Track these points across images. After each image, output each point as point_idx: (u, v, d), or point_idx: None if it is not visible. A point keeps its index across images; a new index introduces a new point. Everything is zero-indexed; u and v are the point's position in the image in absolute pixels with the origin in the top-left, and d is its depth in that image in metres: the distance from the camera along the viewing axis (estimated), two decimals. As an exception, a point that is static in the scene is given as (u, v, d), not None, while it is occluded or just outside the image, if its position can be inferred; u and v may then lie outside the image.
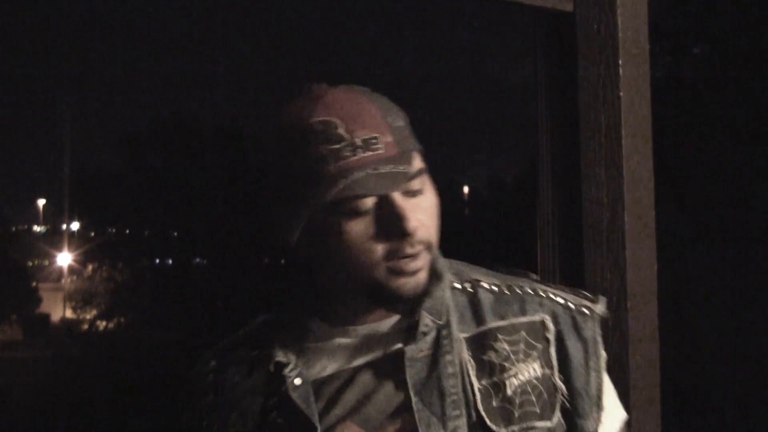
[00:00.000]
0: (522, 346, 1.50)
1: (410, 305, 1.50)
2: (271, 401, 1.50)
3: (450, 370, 1.47)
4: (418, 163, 1.47)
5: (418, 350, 1.48)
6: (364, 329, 1.52)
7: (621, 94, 2.31)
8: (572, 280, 2.32)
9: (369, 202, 1.42)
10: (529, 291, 1.58)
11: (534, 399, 1.47)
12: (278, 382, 1.50)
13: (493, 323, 1.52)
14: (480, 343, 1.50)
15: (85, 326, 32.88)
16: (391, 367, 1.48)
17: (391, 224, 1.42)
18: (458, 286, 1.58)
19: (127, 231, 32.53)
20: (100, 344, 28.87)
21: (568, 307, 1.57)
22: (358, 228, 1.42)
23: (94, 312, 32.72)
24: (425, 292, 1.49)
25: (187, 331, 26.07)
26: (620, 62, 2.32)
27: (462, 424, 1.44)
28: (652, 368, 2.33)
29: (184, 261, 31.47)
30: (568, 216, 2.37)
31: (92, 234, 34.27)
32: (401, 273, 1.44)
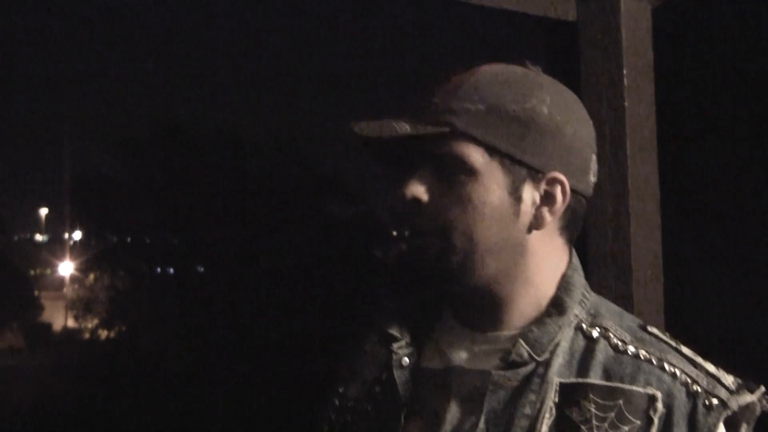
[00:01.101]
0: (612, 414, 1.35)
1: (434, 289, 1.49)
2: (383, 375, 1.50)
3: (527, 410, 1.38)
4: (461, 148, 1.41)
5: (505, 378, 1.40)
6: (476, 336, 1.47)
7: (626, 104, 2.30)
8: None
9: (397, 160, 1.46)
10: (654, 360, 1.39)
11: None
12: (389, 357, 1.50)
13: (592, 379, 1.38)
14: (569, 395, 1.37)
15: (87, 334, 32.85)
16: (478, 383, 1.42)
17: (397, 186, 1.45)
18: (585, 328, 1.44)
19: (129, 239, 32.52)
20: (102, 352, 28.84)
21: (694, 393, 1.37)
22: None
23: (96, 320, 32.69)
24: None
25: (188, 339, 26.04)
26: (624, 72, 2.31)
27: None
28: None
29: (186, 269, 31.44)
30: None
31: (93, 242, 34.26)
32: (403, 244, 1.44)
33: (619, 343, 1.41)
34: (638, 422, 1.33)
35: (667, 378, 1.36)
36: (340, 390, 1.57)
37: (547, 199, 1.43)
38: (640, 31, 2.36)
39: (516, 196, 1.41)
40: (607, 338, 1.42)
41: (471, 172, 1.40)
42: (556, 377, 1.38)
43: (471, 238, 1.40)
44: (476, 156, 1.40)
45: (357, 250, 23.23)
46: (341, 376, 1.60)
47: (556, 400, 1.37)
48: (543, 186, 1.43)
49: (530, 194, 1.42)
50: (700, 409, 1.35)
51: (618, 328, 1.43)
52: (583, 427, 1.34)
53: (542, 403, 1.37)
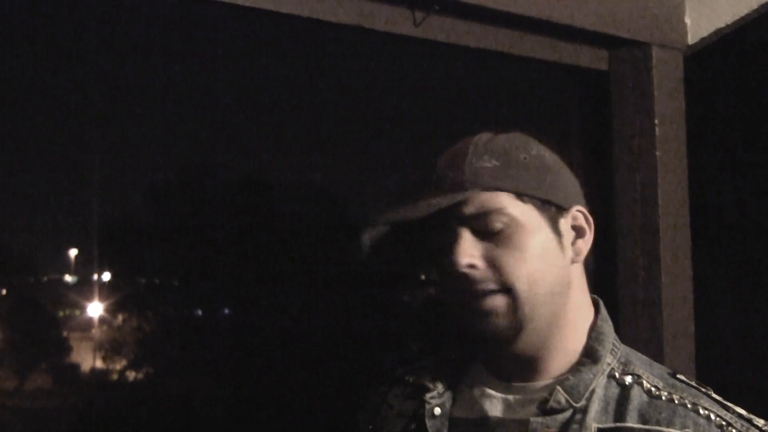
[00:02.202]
0: None
1: (496, 347, 1.47)
2: (412, 426, 1.54)
3: None
4: (493, 202, 1.43)
5: (543, 425, 1.43)
6: (511, 386, 1.49)
7: (657, 153, 2.29)
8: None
9: (435, 234, 1.46)
10: (688, 404, 1.42)
11: None
12: (421, 408, 1.53)
13: (630, 423, 1.41)
14: None
15: (115, 376, 32.88)
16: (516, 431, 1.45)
17: (444, 258, 1.44)
18: (617, 375, 1.47)
19: (157, 281, 32.62)
20: (129, 394, 28.85)
21: None
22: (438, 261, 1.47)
23: (124, 362, 32.73)
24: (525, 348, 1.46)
25: (215, 381, 25.99)
26: (656, 121, 2.31)
27: None
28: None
29: (213, 311, 31.49)
30: (602, 274, 2.35)
31: (122, 284, 34.40)
32: (468, 311, 1.44)
33: (653, 389, 1.43)
34: None
35: (702, 421, 1.39)
36: None
37: (578, 231, 1.50)
38: (672, 80, 2.36)
39: (557, 232, 1.46)
40: (641, 384, 1.45)
41: (513, 220, 1.43)
42: (594, 423, 1.41)
43: (534, 283, 1.43)
44: (510, 204, 1.43)
45: (386, 299, 23.19)
46: (363, 428, 1.64)
47: None
48: (570, 221, 1.49)
49: (566, 228, 1.49)
50: None
51: (650, 375, 1.47)
52: None
53: None
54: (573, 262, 1.49)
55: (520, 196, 1.44)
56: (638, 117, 2.32)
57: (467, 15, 2.18)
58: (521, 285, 1.42)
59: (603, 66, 2.37)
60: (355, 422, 1.70)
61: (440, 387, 1.54)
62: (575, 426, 1.41)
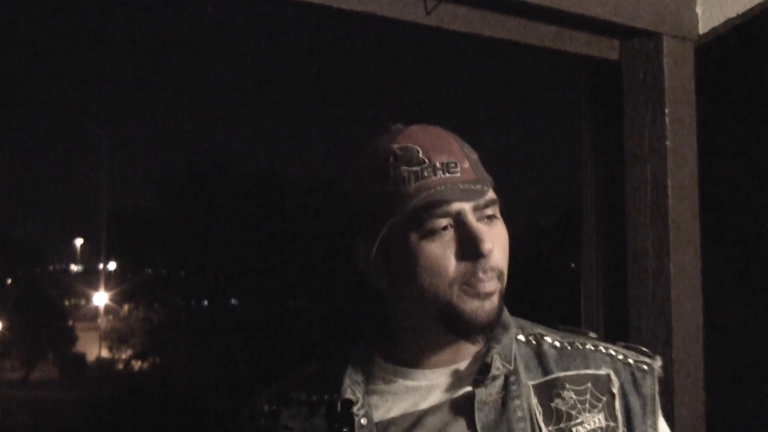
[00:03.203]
0: (588, 396, 1.52)
1: (483, 334, 1.50)
2: None
3: (519, 414, 1.48)
4: (491, 193, 1.49)
5: (487, 394, 1.49)
6: (432, 373, 1.53)
7: (668, 143, 2.29)
8: (616, 330, 2.30)
9: (445, 221, 1.45)
10: (591, 347, 1.59)
11: None
12: (344, 422, 1.50)
13: (560, 373, 1.54)
14: (547, 391, 1.52)
15: (120, 366, 32.97)
16: (458, 411, 1.49)
17: (467, 244, 1.45)
18: (522, 338, 1.58)
19: (164, 272, 32.67)
20: (135, 384, 28.92)
21: (628, 363, 1.57)
22: (434, 247, 1.45)
23: (130, 352, 32.81)
24: (493, 329, 1.50)
25: (222, 372, 26.06)
26: (666, 111, 2.30)
27: None
28: (697, 421, 2.30)
29: (220, 302, 31.54)
30: (612, 266, 2.35)
31: (129, 274, 34.46)
32: (475, 294, 1.45)
33: (557, 343, 1.58)
34: (605, 398, 1.53)
35: (607, 359, 1.57)
36: None
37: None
38: (683, 70, 2.36)
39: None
40: (545, 340, 1.59)
41: (501, 213, 1.52)
42: (527, 381, 1.52)
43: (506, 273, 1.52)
44: (495, 196, 1.51)
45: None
46: None
47: (537, 399, 1.51)
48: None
49: None
50: (638, 374, 1.56)
51: (546, 332, 1.61)
52: (572, 412, 1.50)
53: (529, 403, 1.50)
54: None
55: (492, 185, 1.51)
56: (649, 107, 2.31)
57: (478, 3, 2.18)
58: (506, 272, 1.51)
59: (614, 56, 2.36)
60: None
61: (359, 395, 1.52)
62: (514, 387, 1.50)
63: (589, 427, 1.49)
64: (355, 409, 1.50)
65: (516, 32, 2.25)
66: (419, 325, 1.51)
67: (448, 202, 1.43)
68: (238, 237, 28.40)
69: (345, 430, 1.50)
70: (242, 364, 25.68)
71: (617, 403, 1.53)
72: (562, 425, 1.49)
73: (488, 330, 1.49)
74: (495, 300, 1.47)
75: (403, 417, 1.51)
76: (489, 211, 1.48)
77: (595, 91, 2.43)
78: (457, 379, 1.52)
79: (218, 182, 30.62)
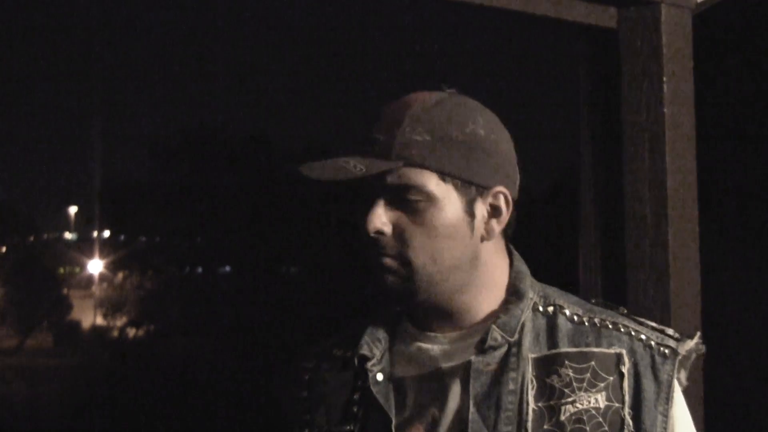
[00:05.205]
0: (588, 375, 1.53)
1: (400, 303, 1.58)
2: (356, 395, 1.60)
3: (511, 386, 1.52)
4: (416, 178, 1.51)
5: (485, 363, 1.53)
6: (445, 337, 1.59)
7: (665, 111, 2.30)
8: (614, 296, 2.31)
9: (356, 194, 1.55)
10: (609, 325, 1.58)
11: (587, 429, 1.50)
12: (362, 377, 1.58)
13: (563, 348, 1.55)
14: (546, 366, 1.54)
15: (115, 333, 33.03)
16: (460, 376, 1.55)
17: (359, 219, 1.54)
18: (541, 308, 1.60)
19: (157, 239, 32.68)
20: (130, 351, 29.00)
21: (649, 345, 1.56)
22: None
23: (124, 319, 32.87)
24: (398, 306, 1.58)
25: (215, 339, 26.14)
26: (664, 79, 2.31)
27: None
28: (696, 386, 2.32)
29: (213, 269, 31.59)
30: (610, 232, 2.37)
31: (122, 242, 34.45)
32: (371, 267, 1.54)
33: (575, 316, 1.59)
34: (611, 378, 1.53)
35: (625, 338, 1.56)
36: (306, 418, 1.67)
37: (495, 211, 1.57)
38: (681, 38, 2.36)
39: (470, 214, 1.54)
40: (564, 313, 1.59)
41: (429, 198, 1.52)
42: (529, 353, 1.55)
43: (435, 259, 1.53)
44: (432, 183, 1.51)
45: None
46: (294, 405, 1.70)
47: (534, 373, 1.53)
48: (489, 200, 1.57)
49: (481, 210, 1.56)
50: (658, 358, 1.55)
51: (569, 303, 1.61)
52: (565, 390, 1.52)
53: (523, 377, 1.52)
54: (483, 240, 1.57)
55: (442, 175, 1.52)
56: (647, 75, 2.32)
57: (477, -28, 2.18)
58: (419, 261, 1.52)
59: (612, 24, 2.37)
60: (278, 399, 1.77)
61: (377, 353, 1.60)
62: (513, 359, 1.53)
63: (581, 407, 1.51)
64: (369, 364, 1.57)
65: (515, 1, 2.25)
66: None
67: (306, 179, 1.51)
68: (231, 203, 28.39)
69: (360, 383, 1.59)
70: (235, 331, 25.75)
71: (625, 384, 1.53)
72: (552, 402, 1.51)
73: (402, 304, 1.58)
74: (392, 280, 1.54)
75: (413, 378, 1.58)
76: (409, 196, 1.51)
77: (592, 60, 2.43)
78: (467, 346, 1.57)
79: (211, 148, 30.55)
